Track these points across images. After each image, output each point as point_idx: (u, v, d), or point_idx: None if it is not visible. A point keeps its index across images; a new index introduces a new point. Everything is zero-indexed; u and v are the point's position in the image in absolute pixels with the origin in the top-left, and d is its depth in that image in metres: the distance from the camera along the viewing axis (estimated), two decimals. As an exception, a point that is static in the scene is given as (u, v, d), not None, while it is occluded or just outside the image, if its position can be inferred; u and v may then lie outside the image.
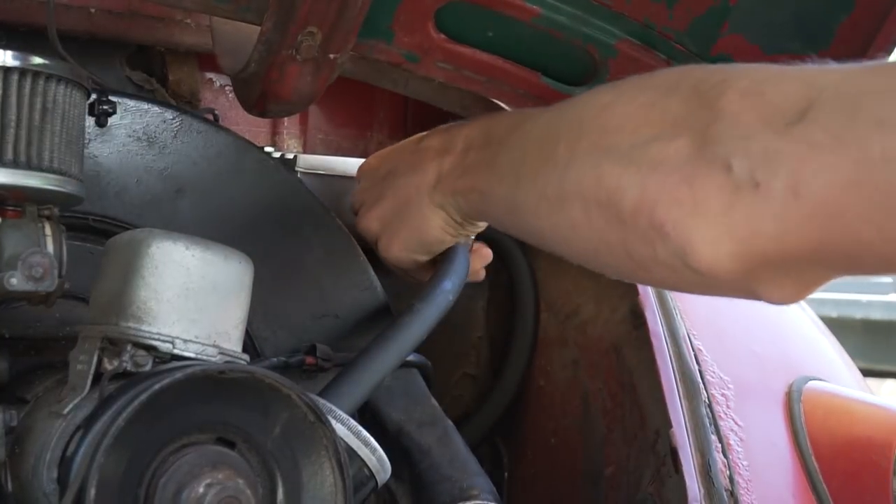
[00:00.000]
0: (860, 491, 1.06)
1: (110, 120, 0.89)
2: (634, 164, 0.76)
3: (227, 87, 1.23)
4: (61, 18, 0.95)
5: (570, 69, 1.01)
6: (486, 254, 1.08)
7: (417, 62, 0.94)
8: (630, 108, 0.78)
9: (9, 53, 0.73)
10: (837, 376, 1.25)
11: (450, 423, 1.03)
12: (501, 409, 1.21)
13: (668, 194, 0.75)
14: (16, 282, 0.72)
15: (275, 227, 1.01)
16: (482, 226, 1.01)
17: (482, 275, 1.09)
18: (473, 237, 1.07)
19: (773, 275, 0.73)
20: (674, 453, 1.01)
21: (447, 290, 1.02)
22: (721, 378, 1.09)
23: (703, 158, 0.73)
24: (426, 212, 0.99)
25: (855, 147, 0.65)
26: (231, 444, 0.72)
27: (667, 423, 1.02)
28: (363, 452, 0.84)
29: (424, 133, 1.02)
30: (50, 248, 0.75)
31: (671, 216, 0.75)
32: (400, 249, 1.02)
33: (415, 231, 1.00)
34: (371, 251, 1.08)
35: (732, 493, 1.01)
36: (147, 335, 0.73)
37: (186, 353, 0.73)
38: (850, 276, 0.87)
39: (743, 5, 0.94)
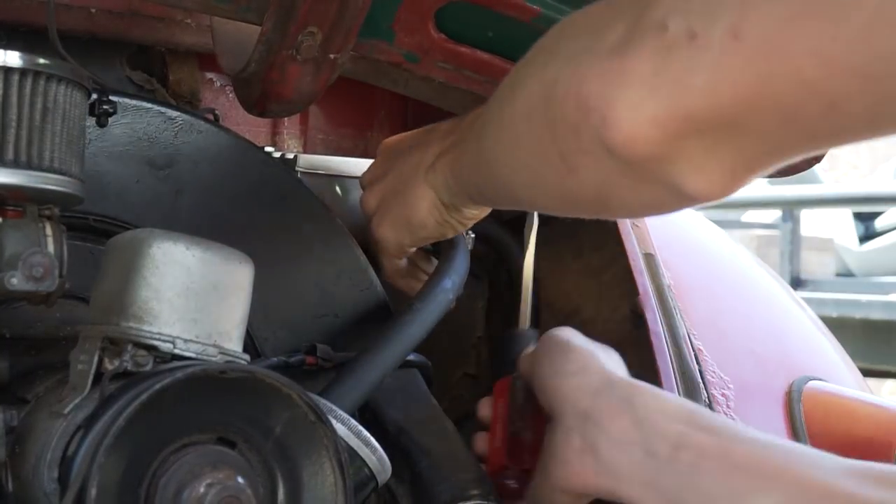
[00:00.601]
0: (860, 491, 1.06)
1: (111, 120, 0.89)
2: (574, 58, 0.73)
3: (227, 87, 1.23)
4: (61, 18, 0.95)
5: (570, 69, 1.01)
6: None
7: (417, 62, 0.94)
8: (584, 16, 0.76)
9: (9, 53, 0.73)
10: (837, 376, 1.25)
11: (450, 423, 1.03)
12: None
13: (596, 68, 0.70)
14: (16, 282, 0.72)
15: (275, 227, 1.01)
16: (468, 214, 1.00)
17: None
18: (470, 234, 1.07)
19: (696, 150, 0.68)
20: (674, 453, 1.01)
21: (447, 289, 1.02)
22: (721, 378, 1.09)
23: (637, 29, 0.68)
24: (417, 191, 0.98)
25: None
26: (232, 444, 0.72)
27: (667, 423, 1.02)
28: (363, 452, 0.84)
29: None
30: (50, 248, 0.75)
31: (595, 89, 0.70)
32: (388, 228, 1.02)
33: (404, 209, 1.00)
34: (371, 251, 1.08)
35: (733, 493, 1.00)
36: (148, 335, 0.73)
37: (187, 353, 0.73)
38: (784, 175, 0.84)
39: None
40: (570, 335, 0.95)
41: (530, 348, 0.98)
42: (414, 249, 1.06)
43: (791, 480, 0.80)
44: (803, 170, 0.99)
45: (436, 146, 0.98)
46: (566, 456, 0.88)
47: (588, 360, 0.92)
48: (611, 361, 0.93)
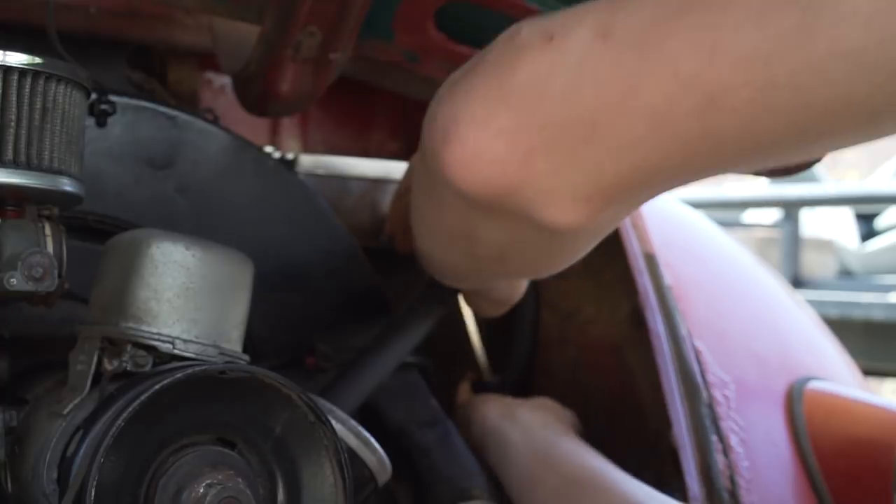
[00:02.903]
0: (861, 491, 1.06)
1: (110, 119, 0.89)
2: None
3: (227, 87, 1.23)
4: (61, 18, 0.95)
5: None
6: None
7: (417, 62, 0.94)
8: None
9: (9, 53, 0.73)
10: (838, 376, 1.25)
11: (450, 423, 1.03)
12: None
13: (447, 88, 0.65)
14: (16, 282, 0.72)
15: (275, 227, 1.01)
16: None
17: None
18: None
19: (545, 172, 0.60)
20: (674, 454, 1.01)
21: (447, 289, 1.02)
22: (722, 378, 1.09)
23: (493, 43, 0.62)
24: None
25: None
26: (231, 445, 0.71)
27: (667, 424, 1.02)
28: (363, 453, 0.84)
29: None
30: (50, 248, 0.75)
31: (443, 109, 0.64)
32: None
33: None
34: (371, 251, 1.08)
35: (733, 494, 1.01)
36: (147, 335, 0.73)
37: (187, 354, 0.73)
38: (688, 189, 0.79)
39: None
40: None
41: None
42: None
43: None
44: (803, 170, 0.99)
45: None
46: None
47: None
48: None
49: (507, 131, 0.60)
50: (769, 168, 0.66)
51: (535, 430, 1.01)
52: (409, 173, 1.04)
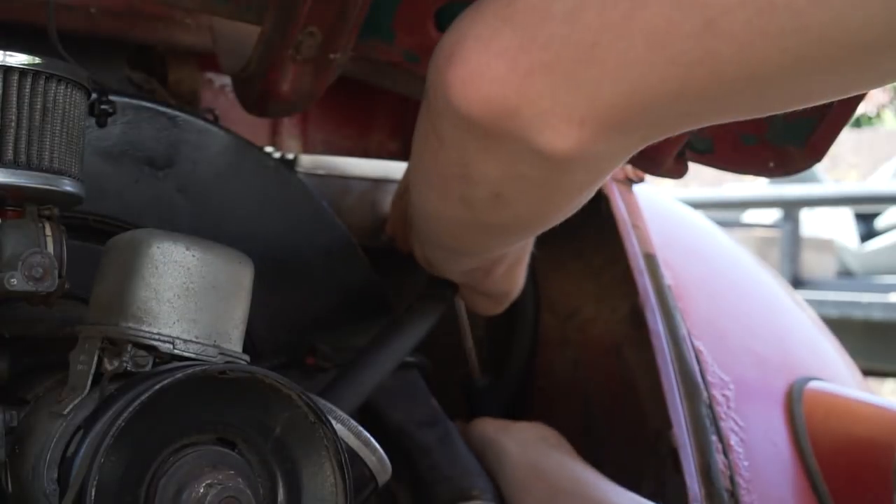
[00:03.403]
0: (861, 491, 1.06)
1: (110, 120, 0.89)
2: None
3: (227, 87, 1.23)
4: (61, 18, 0.95)
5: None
6: None
7: (417, 62, 0.94)
8: None
9: (9, 53, 0.73)
10: (838, 376, 1.25)
11: (450, 423, 1.03)
12: (501, 409, 1.21)
13: (454, 24, 0.65)
14: (16, 282, 0.72)
15: (275, 227, 1.01)
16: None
17: None
18: None
19: (543, 94, 0.60)
20: (674, 454, 1.01)
21: (446, 289, 1.02)
22: (721, 378, 1.09)
23: None
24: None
25: None
26: (231, 445, 0.71)
27: (667, 424, 1.03)
28: (363, 453, 0.84)
29: None
30: (50, 248, 0.75)
31: (447, 39, 0.65)
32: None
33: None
34: (371, 251, 1.08)
35: (733, 494, 1.01)
36: (147, 335, 0.73)
37: (187, 354, 0.73)
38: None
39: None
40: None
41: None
42: None
43: None
44: (803, 169, 0.99)
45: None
46: None
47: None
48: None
49: (509, 51, 0.60)
50: (773, 109, 0.65)
51: (530, 442, 1.02)
52: (408, 172, 1.04)
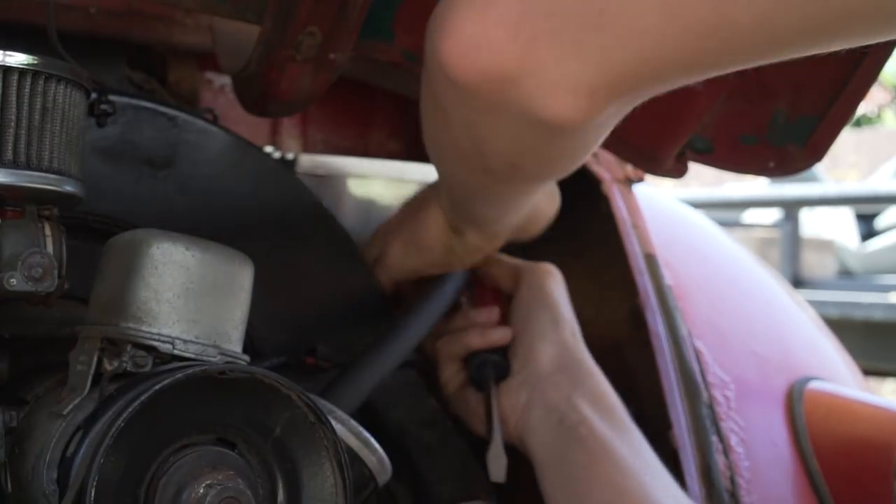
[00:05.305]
0: (861, 491, 1.06)
1: (110, 120, 0.89)
2: None
3: (227, 87, 1.23)
4: (61, 18, 0.95)
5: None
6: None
7: (417, 62, 0.94)
8: None
9: (9, 53, 0.73)
10: (838, 376, 1.25)
11: (450, 422, 1.03)
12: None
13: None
14: (15, 282, 0.72)
15: (275, 227, 1.01)
16: (472, 244, 1.00)
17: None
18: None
19: (549, 60, 0.57)
20: (674, 454, 1.01)
21: (447, 290, 1.02)
22: (722, 379, 1.09)
23: None
24: (430, 210, 0.99)
25: None
26: (231, 445, 0.71)
27: (667, 424, 1.03)
28: (363, 453, 0.84)
29: None
30: (50, 248, 0.75)
31: (443, 4, 0.62)
32: (398, 245, 1.02)
33: (417, 229, 1.00)
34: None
35: (733, 494, 1.01)
36: (147, 336, 0.73)
37: (186, 354, 0.73)
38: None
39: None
40: (553, 287, 1.02)
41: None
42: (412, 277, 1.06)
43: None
44: (803, 169, 0.99)
45: None
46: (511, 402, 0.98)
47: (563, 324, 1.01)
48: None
49: (509, 18, 0.57)
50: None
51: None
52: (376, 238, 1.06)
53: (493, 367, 1.01)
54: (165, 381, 0.67)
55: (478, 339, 1.02)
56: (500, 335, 1.01)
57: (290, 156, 1.17)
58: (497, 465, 0.98)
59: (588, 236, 1.18)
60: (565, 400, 0.96)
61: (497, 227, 0.99)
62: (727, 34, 0.55)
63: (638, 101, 0.65)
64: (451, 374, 1.04)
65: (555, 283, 1.04)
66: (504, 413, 0.98)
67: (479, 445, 1.12)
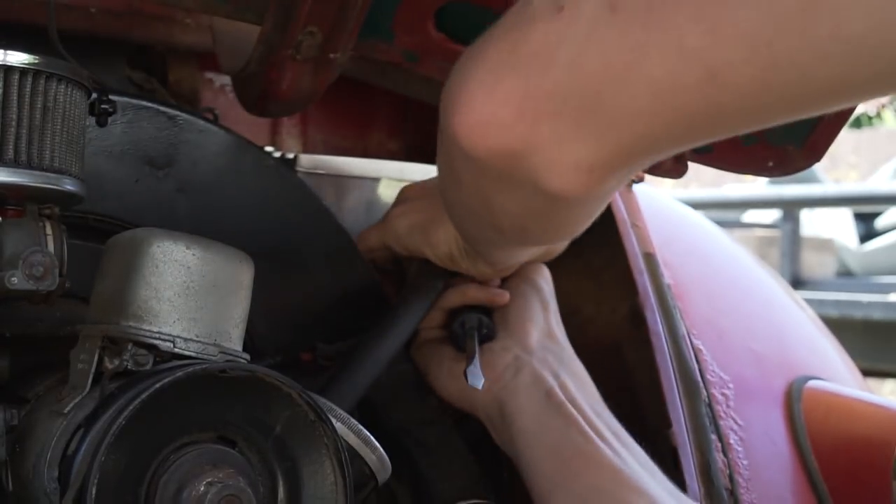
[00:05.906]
0: (860, 490, 1.06)
1: (110, 119, 0.89)
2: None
3: (227, 87, 1.23)
4: (61, 18, 0.95)
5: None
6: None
7: (417, 62, 0.94)
8: None
9: (9, 53, 0.73)
10: (837, 376, 1.25)
11: (450, 422, 1.03)
12: None
13: (461, 59, 0.65)
14: (16, 281, 0.72)
15: (275, 227, 1.01)
16: (477, 271, 1.01)
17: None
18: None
19: (550, 140, 0.61)
20: (673, 452, 1.01)
21: (437, 277, 1.02)
22: (721, 377, 1.09)
23: (506, 14, 0.62)
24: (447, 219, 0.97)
25: None
26: (232, 443, 0.72)
27: (666, 423, 1.03)
28: (363, 451, 0.84)
29: None
30: (51, 247, 0.75)
31: (454, 78, 0.64)
32: (404, 221, 1.01)
33: (430, 222, 0.99)
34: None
35: (732, 493, 1.01)
36: (148, 334, 0.73)
37: (187, 353, 0.73)
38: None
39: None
40: (542, 280, 1.04)
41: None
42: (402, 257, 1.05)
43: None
44: (802, 169, 0.99)
45: None
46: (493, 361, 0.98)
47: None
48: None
49: (514, 97, 0.61)
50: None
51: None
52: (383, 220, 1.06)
53: (480, 324, 1.02)
54: (166, 380, 0.67)
55: (476, 291, 1.02)
56: (498, 292, 1.02)
57: (290, 156, 1.17)
58: (475, 376, 0.96)
59: (587, 236, 1.17)
60: (553, 375, 0.97)
61: (506, 265, 1.01)
62: (714, 115, 0.59)
63: (637, 171, 0.71)
64: (431, 323, 1.04)
65: (544, 277, 1.06)
66: (482, 368, 0.97)
67: (479, 445, 1.12)
